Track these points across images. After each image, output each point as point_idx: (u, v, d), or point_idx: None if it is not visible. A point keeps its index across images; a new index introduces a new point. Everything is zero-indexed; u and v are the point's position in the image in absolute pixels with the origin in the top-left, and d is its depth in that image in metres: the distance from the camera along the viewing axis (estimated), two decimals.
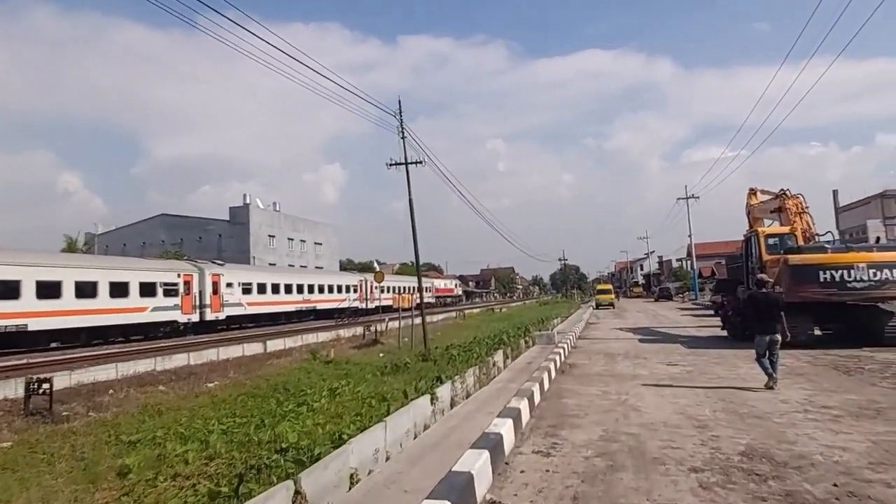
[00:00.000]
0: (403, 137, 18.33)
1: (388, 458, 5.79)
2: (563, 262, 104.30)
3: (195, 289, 28.60)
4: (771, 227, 17.25)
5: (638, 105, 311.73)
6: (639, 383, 9.90)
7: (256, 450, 5.72)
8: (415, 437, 6.76)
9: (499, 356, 13.17)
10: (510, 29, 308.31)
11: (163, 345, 22.25)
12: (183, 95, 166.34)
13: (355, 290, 45.64)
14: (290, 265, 59.02)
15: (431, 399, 8.16)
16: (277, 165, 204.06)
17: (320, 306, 40.55)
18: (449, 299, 72.86)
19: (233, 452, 5.78)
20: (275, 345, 21.34)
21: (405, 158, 18.48)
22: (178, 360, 16.93)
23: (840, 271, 12.92)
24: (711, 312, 31.22)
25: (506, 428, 5.98)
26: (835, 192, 29.29)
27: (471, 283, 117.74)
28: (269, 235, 60.75)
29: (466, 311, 43.73)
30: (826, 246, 13.89)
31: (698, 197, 52.31)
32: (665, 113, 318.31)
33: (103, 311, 23.54)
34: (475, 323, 32.21)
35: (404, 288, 53.22)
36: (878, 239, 14.93)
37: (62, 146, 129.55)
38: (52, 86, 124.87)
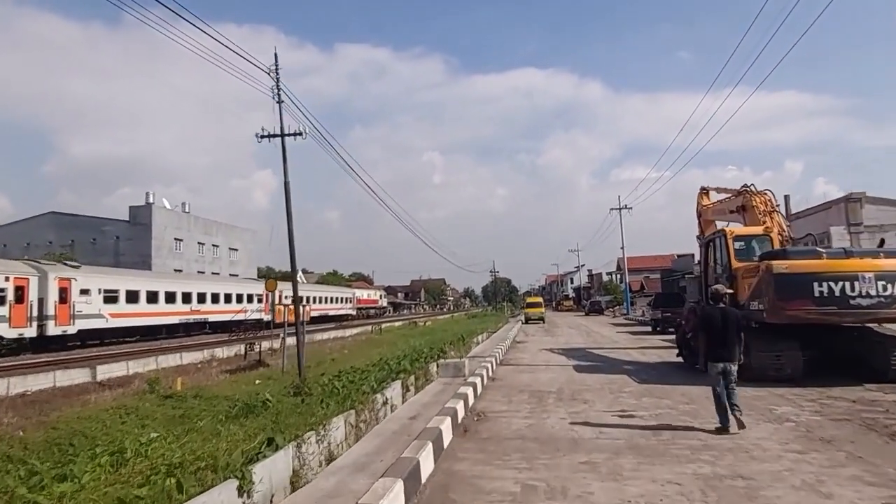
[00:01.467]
0: (280, 102, 14.03)
1: None
2: (493, 273, 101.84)
3: (32, 296, 22.63)
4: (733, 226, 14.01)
5: (569, 123, 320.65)
6: (583, 460, 5.98)
7: None
8: None
9: (394, 390, 9.35)
10: (447, 43, 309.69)
11: None
12: (103, 92, 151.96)
13: (260, 301, 40.15)
14: (199, 272, 52.93)
15: (240, 487, 4.35)
16: (205, 169, 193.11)
17: (213, 318, 34.90)
18: (373, 311, 68.15)
19: None
20: (110, 370, 16.18)
21: (281, 129, 14.21)
22: None
23: (840, 283, 9.47)
24: (650, 329, 28.60)
25: None
26: (786, 198, 27.60)
27: (399, 294, 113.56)
28: (176, 239, 54.67)
29: (385, 325, 39.23)
30: (820, 250, 10.42)
31: (631, 208, 50.54)
32: (595, 132, 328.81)
33: None
34: (392, 339, 28.15)
35: (315, 298, 48.37)
36: (881, 242, 11.73)
37: None
38: None
